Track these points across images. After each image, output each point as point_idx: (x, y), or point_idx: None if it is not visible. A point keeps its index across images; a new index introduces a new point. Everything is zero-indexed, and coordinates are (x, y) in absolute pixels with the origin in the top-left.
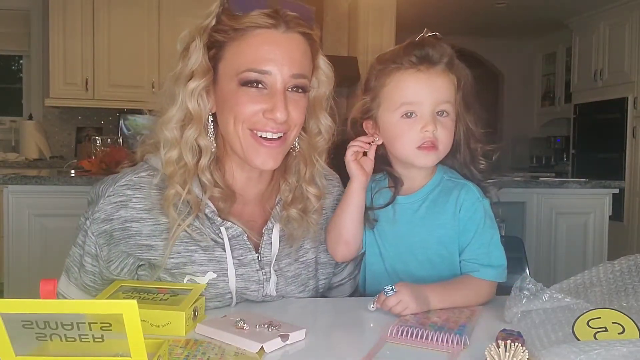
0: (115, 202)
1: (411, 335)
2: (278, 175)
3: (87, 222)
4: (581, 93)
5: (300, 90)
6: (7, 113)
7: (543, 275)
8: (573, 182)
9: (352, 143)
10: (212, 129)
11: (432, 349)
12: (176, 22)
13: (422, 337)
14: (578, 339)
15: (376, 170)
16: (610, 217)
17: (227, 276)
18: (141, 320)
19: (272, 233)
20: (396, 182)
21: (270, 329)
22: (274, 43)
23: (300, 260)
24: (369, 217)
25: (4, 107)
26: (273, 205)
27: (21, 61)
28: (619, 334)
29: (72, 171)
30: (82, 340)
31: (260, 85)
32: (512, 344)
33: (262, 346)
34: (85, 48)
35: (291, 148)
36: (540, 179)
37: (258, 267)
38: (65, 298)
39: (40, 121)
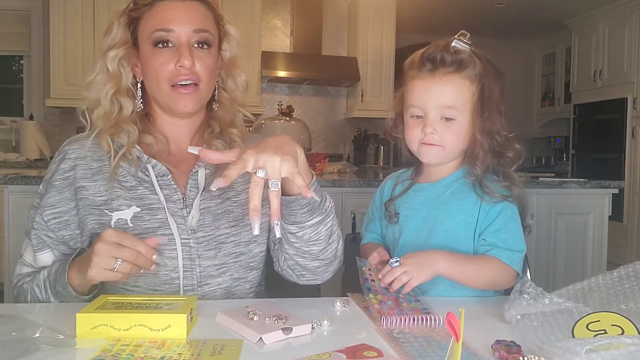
0: (58, 159)
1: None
2: (203, 129)
3: (41, 187)
4: (581, 93)
5: (204, 45)
6: (7, 113)
7: (543, 275)
8: (573, 182)
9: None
10: (140, 94)
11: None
12: None
13: (414, 321)
14: None
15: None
16: (610, 217)
17: (152, 210)
18: (139, 325)
19: (197, 177)
20: (417, 172)
21: (276, 322)
22: (175, 8)
23: (233, 199)
24: (391, 211)
25: (5, 107)
26: None
27: (22, 61)
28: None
29: None
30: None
31: (169, 44)
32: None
33: (261, 337)
34: (85, 48)
35: (214, 103)
36: (540, 179)
37: (182, 206)
38: (27, 264)
39: (41, 121)
